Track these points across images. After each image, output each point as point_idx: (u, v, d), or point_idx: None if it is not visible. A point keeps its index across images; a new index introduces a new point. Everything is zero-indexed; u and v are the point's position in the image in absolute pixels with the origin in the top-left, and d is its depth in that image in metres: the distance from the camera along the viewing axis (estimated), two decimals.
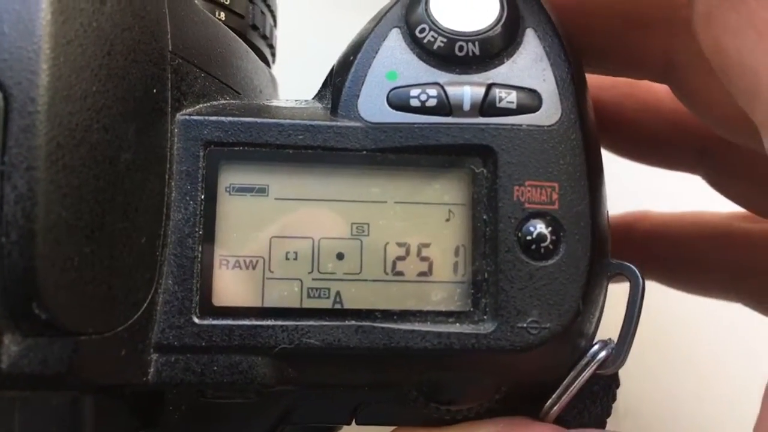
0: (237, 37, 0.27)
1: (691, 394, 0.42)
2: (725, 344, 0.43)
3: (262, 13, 0.30)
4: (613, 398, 0.24)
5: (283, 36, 0.33)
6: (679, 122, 0.30)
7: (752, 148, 0.23)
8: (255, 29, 0.29)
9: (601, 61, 0.27)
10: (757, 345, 0.41)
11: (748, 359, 0.42)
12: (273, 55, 0.32)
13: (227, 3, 0.28)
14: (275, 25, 0.32)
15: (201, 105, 0.23)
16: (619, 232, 0.34)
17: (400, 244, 0.23)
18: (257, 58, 0.29)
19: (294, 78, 0.32)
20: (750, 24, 0.19)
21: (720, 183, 0.31)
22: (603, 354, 0.23)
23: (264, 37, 0.30)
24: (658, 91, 0.30)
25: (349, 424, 0.25)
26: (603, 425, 0.25)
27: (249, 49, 0.28)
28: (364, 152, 0.23)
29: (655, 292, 0.34)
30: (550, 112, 0.23)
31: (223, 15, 0.28)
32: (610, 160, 0.31)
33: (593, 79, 0.30)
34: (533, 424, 0.23)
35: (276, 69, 0.33)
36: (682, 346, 0.43)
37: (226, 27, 0.27)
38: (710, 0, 0.20)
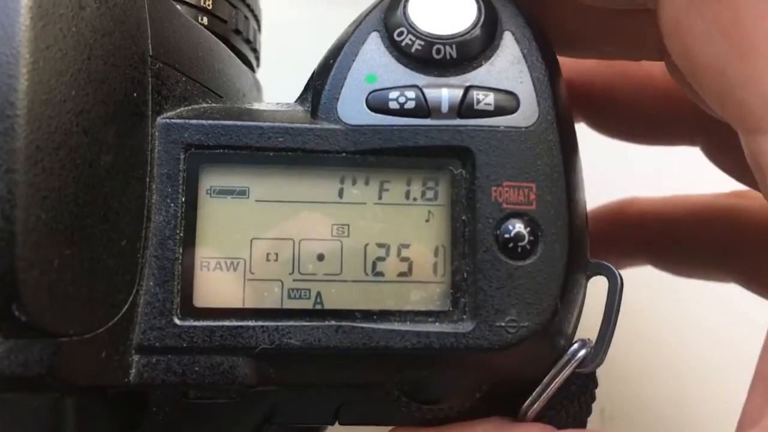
0: (219, 42, 0.28)
1: (676, 397, 0.42)
2: (711, 347, 0.43)
3: (246, 17, 0.30)
4: (592, 398, 0.24)
5: (267, 40, 0.34)
6: (673, 98, 0.30)
7: None
8: (238, 33, 0.29)
9: (597, 45, 0.27)
10: (743, 347, 0.41)
11: (734, 361, 0.42)
12: (257, 59, 0.32)
13: (210, 8, 0.28)
14: (259, 30, 0.32)
15: (182, 108, 0.23)
16: (609, 219, 0.35)
17: (380, 245, 0.23)
18: (240, 62, 0.29)
19: (279, 82, 0.32)
20: (716, 26, 0.19)
21: (716, 156, 0.32)
22: (582, 353, 0.23)
23: (247, 42, 0.30)
24: (650, 69, 0.30)
25: (332, 424, 0.25)
26: (583, 424, 0.25)
27: (232, 53, 0.29)
28: (344, 154, 0.23)
29: (640, 294, 0.35)
30: (527, 114, 0.23)
31: (206, 20, 0.28)
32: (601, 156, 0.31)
33: (586, 63, 0.30)
34: (523, 424, 0.24)
35: (261, 73, 0.33)
36: (667, 350, 0.43)
37: (208, 32, 0.27)
38: (677, 8, 0.20)
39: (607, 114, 0.31)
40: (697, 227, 0.33)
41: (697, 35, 0.20)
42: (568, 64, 0.26)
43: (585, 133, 0.32)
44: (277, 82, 0.32)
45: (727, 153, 0.31)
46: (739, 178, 0.31)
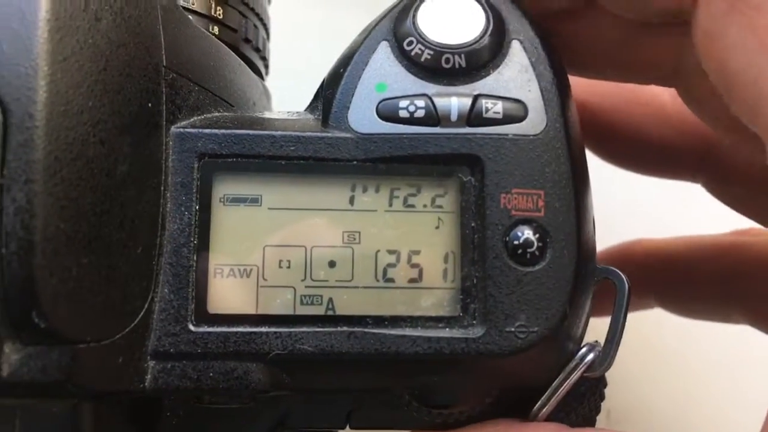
0: (230, 51, 0.28)
1: (682, 400, 0.43)
2: (717, 350, 0.43)
3: (255, 26, 0.30)
4: (602, 397, 0.25)
5: (276, 48, 0.34)
6: (682, 127, 0.30)
7: (756, 156, 0.23)
8: (248, 42, 0.30)
9: (608, 68, 0.27)
10: (747, 350, 0.42)
11: (738, 364, 0.42)
12: (266, 67, 0.33)
13: (220, 17, 0.28)
14: (268, 38, 0.32)
15: (195, 118, 0.24)
16: (615, 261, 0.34)
17: (390, 252, 0.23)
18: (250, 70, 0.30)
19: (288, 90, 0.32)
20: (751, 34, 0.19)
21: (720, 190, 0.32)
22: (590, 357, 0.23)
23: (257, 50, 0.31)
24: (661, 96, 0.30)
25: (344, 428, 0.25)
26: (593, 423, 0.25)
27: (242, 62, 0.29)
28: (355, 162, 0.23)
29: None
30: (535, 122, 0.23)
31: (216, 29, 0.28)
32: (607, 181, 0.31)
33: (597, 86, 0.30)
34: (533, 423, 0.24)
35: (269, 81, 0.33)
36: (673, 353, 0.43)
37: (219, 41, 0.27)
38: (713, 16, 0.20)
39: (612, 139, 0.31)
40: (701, 266, 0.33)
41: (732, 43, 0.20)
42: (577, 85, 0.26)
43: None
44: (286, 90, 0.33)
45: (729, 187, 0.31)
46: (743, 211, 0.31)
